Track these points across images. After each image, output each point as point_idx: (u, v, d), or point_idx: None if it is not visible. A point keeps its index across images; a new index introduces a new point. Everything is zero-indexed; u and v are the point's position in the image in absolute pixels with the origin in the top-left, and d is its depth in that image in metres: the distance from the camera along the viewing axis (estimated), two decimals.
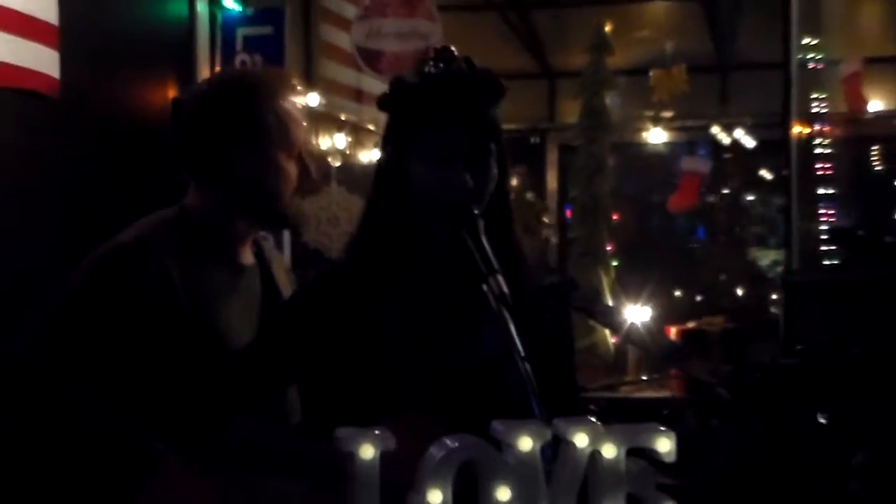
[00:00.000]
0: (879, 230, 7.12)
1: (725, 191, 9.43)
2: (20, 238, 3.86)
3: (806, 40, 6.54)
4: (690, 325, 6.71)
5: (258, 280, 2.89)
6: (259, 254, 2.91)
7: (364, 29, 6.35)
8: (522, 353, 2.09)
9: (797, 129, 6.28)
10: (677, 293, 8.58)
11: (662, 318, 6.64)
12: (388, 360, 2.31)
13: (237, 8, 5.85)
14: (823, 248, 6.48)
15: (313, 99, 6.38)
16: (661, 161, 8.69)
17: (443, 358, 2.32)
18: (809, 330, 5.43)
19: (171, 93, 5.56)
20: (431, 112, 2.31)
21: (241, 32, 5.83)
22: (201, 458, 2.39)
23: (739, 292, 8.62)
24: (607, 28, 7.52)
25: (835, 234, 6.27)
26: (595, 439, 1.80)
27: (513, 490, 1.77)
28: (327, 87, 6.80)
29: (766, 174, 9.67)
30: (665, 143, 8.58)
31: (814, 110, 6.57)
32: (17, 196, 3.88)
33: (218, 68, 5.80)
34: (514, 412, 2.06)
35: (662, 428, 1.81)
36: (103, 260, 2.68)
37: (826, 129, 6.64)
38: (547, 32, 9.07)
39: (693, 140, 8.78)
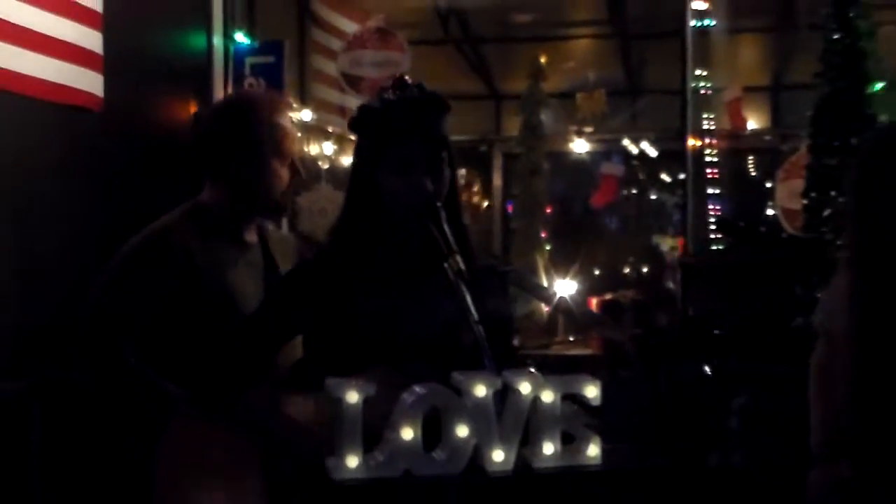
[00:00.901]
0: (756, 222, 7.17)
1: (633, 190, 9.47)
2: (66, 227, 3.84)
3: (698, 72, 6.55)
4: (608, 296, 6.74)
5: (260, 254, 2.91)
6: (261, 234, 2.93)
7: (348, 59, 6.33)
8: (477, 318, 2.10)
9: (691, 142, 6.30)
10: (596, 271, 8.59)
11: (586, 291, 6.66)
12: (364, 324, 2.30)
13: (246, 41, 5.83)
14: (712, 236, 6.49)
15: (306, 115, 6.39)
16: (584, 166, 8.70)
17: (409, 321, 2.32)
18: (700, 301, 5.47)
19: (193, 109, 5.54)
20: (392, 131, 2.31)
21: (248, 60, 5.80)
22: (221, 408, 2.40)
23: (644, 270, 8.66)
24: (542, 59, 7.51)
25: (721, 225, 6.30)
26: (536, 387, 1.80)
27: (470, 428, 1.77)
28: (317, 106, 6.80)
29: (665, 177, 9.71)
30: (587, 152, 8.57)
31: (704, 127, 6.58)
32: (68, 192, 3.87)
33: (230, 89, 5.79)
34: (469, 365, 2.07)
35: (590, 377, 1.83)
36: (139, 244, 2.75)
37: (713, 142, 6.66)
38: (494, 62, 9.07)
39: (608, 150, 8.78)
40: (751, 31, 8.25)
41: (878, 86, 4.70)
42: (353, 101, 7.16)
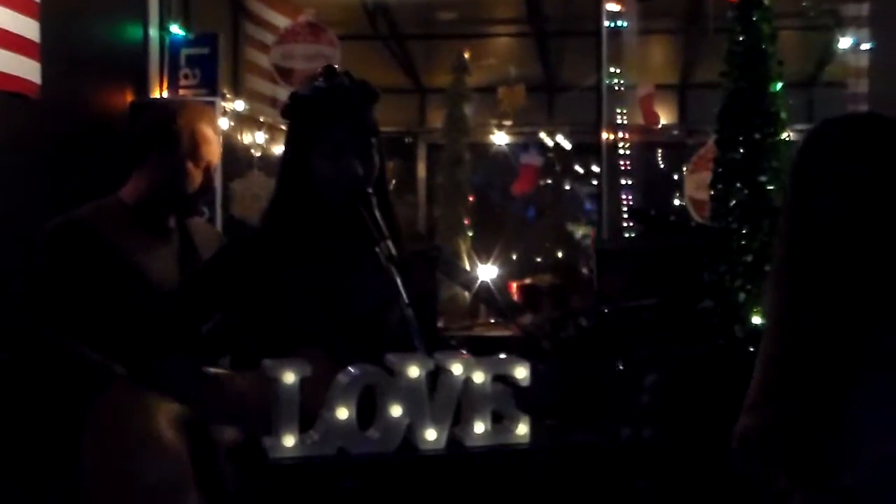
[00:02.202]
0: (666, 212, 7.24)
1: (549, 180, 9.48)
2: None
3: (612, 69, 6.57)
4: (527, 280, 6.73)
5: (178, 241, 2.99)
6: (181, 223, 3.01)
7: (280, 51, 6.27)
8: (407, 301, 2.07)
9: (606, 136, 6.33)
10: (514, 256, 8.60)
11: (506, 276, 6.65)
12: (294, 302, 2.27)
13: (181, 32, 5.72)
14: (624, 224, 6.53)
15: (239, 105, 6.30)
16: (504, 157, 8.69)
17: (339, 300, 2.28)
18: (614, 285, 5.49)
19: (129, 98, 5.45)
20: (322, 117, 2.28)
21: (184, 52, 5.70)
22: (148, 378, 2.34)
23: (559, 255, 8.68)
24: (466, 55, 7.48)
25: (634, 214, 6.34)
26: (467, 368, 1.77)
27: (403, 408, 1.73)
28: (250, 96, 6.70)
29: (578, 168, 9.75)
30: (507, 144, 8.56)
31: (618, 121, 6.60)
32: (1, 178, 3.83)
33: (166, 79, 5.69)
34: (396, 345, 2.04)
35: (519, 359, 1.80)
36: (56, 228, 2.86)
37: (626, 135, 6.68)
38: (419, 58, 9.01)
39: (526, 142, 8.77)
40: (660, 33, 8.31)
41: (779, 85, 4.74)
42: (284, 93, 7.07)
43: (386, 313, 2.24)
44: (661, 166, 9.10)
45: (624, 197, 6.46)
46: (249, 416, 1.92)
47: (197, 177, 2.90)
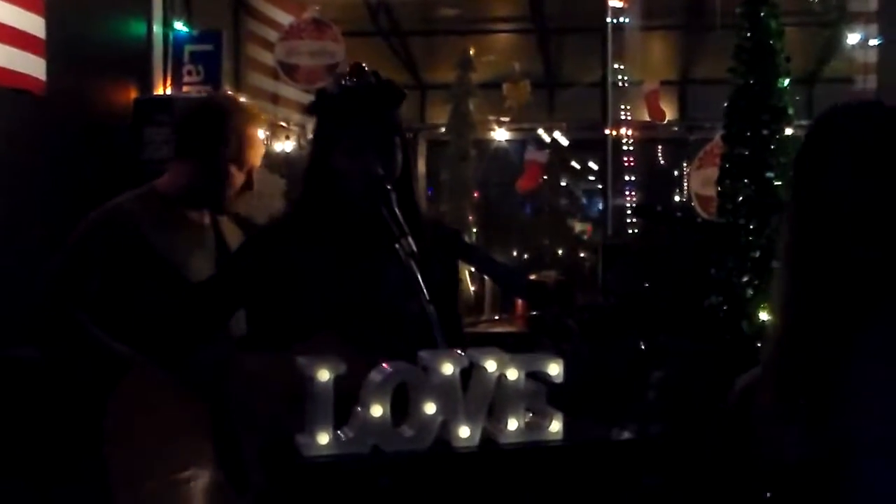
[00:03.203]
0: (672, 207, 7.24)
1: (545, 176, 9.45)
2: (8, 207, 3.81)
3: (616, 66, 6.55)
4: (532, 277, 6.69)
5: (213, 237, 2.98)
6: (214, 219, 2.98)
7: (285, 48, 6.25)
8: (427, 297, 2.06)
9: (611, 132, 6.31)
10: (514, 253, 8.58)
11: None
12: (314, 293, 2.27)
13: (185, 29, 5.70)
14: (627, 220, 6.52)
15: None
16: (505, 153, 8.66)
17: (358, 292, 2.28)
18: (620, 281, 5.48)
19: (133, 93, 5.44)
20: (346, 115, 2.28)
21: (187, 49, 5.70)
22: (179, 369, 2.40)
23: (562, 251, 8.66)
24: (471, 52, 7.46)
25: (640, 210, 6.32)
26: (501, 365, 1.75)
27: (437, 405, 1.71)
28: (251, 93, 6.67)
29: (575, 164, 9.73)
30: (507, 140, 8.54)
31: (622, 117, 6.59)
32: (10, 173, 3.83)
33: (170, 76, 5.67)
34: (420, 341, 2.02)
35: (552, 355, 1.78)
36: (94, 220, 2.84)
37: (630, 132, 6.66)
38: (419, 54, 9.00)
39: (524, 138, 8.75)
40: (662, 29, 8.30)
41: (786, 82, 4.74)
42: (285, 89, 7.09)
43: (405, 304, 2.23)
44: (662, 162, 9.09)
45: (627, 193, 6.44)
46: (275, 399, 1.92)
47: (239, 179, 2.88)
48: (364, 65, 2.34)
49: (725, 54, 6.24)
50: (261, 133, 2.97)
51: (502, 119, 8.14)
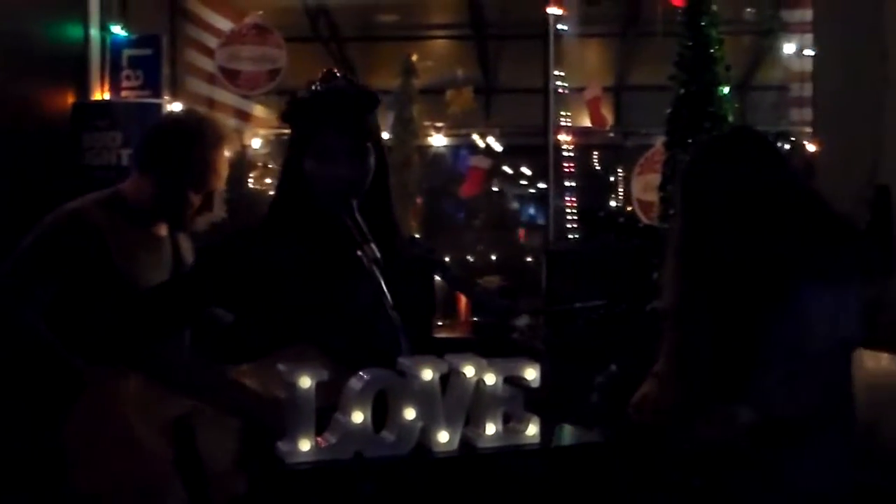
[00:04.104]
0: (613, 213, 7.33)
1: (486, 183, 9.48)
2: None
3: (556, 72, 6.63)
4: (477, 282, 6.72)
5: (170, 249, 2.98)
6: (172, 232, 3.00)
7: (226, 53, 6.21)
8: (391, 303, 2.07)
9: (554, 138, 6.38)
10: (449, 258, 8.58)
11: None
12: (283, 300, 2.26)
13: (123, 33, 5.64)
14: (568, 225, 6.58)
15: (177, 106, 6.22)
16: (444, 159, 8.68)
17: (329, 302, 2.28)
18: (563, 286, 5.55)
19: (71, 98, 5.38)
20: (316, 120, 2.28)
21: (126, 53, 5.66)
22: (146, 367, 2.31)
23: (502, 257, 8.69)
24: (414, 57, 7.48)
25: (583, 215, 6.41)
26: (479, 370, 1.77)
27: (416, 410, 1.73)
28: (188, 98, 6.61)
29: (507, 170, 9.78)
30: (445, 146, 8.55)
31: (562, 123, 6.66)
32: None
33: (108, 80, 5.61)
34: (385, 347, 2.03)
35: (529, 360, 1.80)
36: (53, 224, 2.82)
37: (570, 138, 6.73)
38: (358, 60, 8.99)
39: (460, 144, 8.77)
40: (598, 37, 8.41)
41: (726, 89, 4.85)
42: (221, 94, 7.04)
43: (373, 312, 2.24)
44: (598, 168, 9.20)
45: (568, 199, 6.52)
46: (254, 409, 1.92)
47: (196, 202, 2.89)
48: (336, 70, 2.35)
49: (658, 61, 6.37)
50: (225, 159, 2.95)
51: (437, 125, 8.16)
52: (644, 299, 4.75)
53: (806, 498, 2.36)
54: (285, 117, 2.35)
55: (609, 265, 5.14)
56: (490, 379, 1.77)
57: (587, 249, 5.63)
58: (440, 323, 6.11)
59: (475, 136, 8.55)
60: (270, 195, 6.99)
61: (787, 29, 5.85)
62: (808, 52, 5.27)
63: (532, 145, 8.14)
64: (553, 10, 6.59)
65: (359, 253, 2.18)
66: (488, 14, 8.25)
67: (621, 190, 8.79)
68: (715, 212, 2.40)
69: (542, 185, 9.69)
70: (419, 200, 7.46)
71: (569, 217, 6.51)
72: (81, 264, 2.75)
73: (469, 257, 8.33)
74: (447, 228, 7.90)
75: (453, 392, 1.76)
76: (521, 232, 9.84)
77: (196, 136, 2.89)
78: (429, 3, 8.44)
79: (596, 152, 8.96)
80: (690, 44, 4.88)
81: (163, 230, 2.97)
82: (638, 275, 4.95)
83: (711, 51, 4.83)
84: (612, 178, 9.09)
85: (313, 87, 2.29)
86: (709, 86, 4.86)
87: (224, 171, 2.95)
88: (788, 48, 5.83)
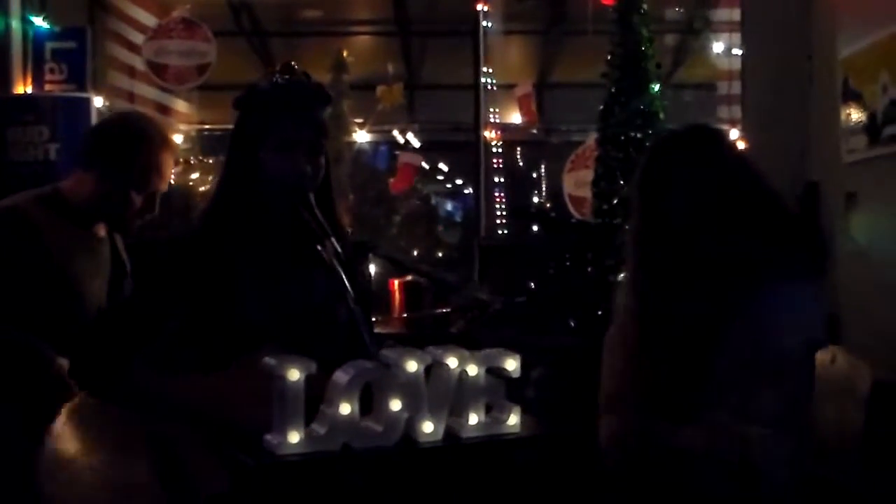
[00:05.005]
0: (544, 208, 7.41)
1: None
2: None
3: (484, 69, 6.68)
4: (408, 277, 6.74)
5: (108, 250, 2.99)
6: (110, 231, 3.00)
7: (153, 47, 6.13)
8: (354, 297, 2.10)
9: (485, 134, 6.44)
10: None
11: (386, 273, 6.65)
12: (242, 306, 2.25)
13: (45, 26, 5.51)
14: (497, 220, 6.62)
15: (98, 101, 6.10)
16: (367, 155, 8.65)
17: (288, 302, 2.28)
18: (495, 279, 5.60)
19: None
20: (279, 111, 2.28)
21: (49, 46, 5.54)
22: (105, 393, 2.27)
23: (437, 252, 8.69)
24: (345, 53, 7.46)
25: (515, 211, 6.47)
26: (462, 361, 1.81)
27: (402, 401, 1.75)
28: (108, 92, 6.48)
29: (425, 166, 9.79)
30: (367, 142, 8.53)
31: (491, 120, 6.71)
32: None
33: (30, 73, 5.48)
34: (347, 342, 2.06)
35: (510, 352, 1.85)
36: None
37: (496, 134, 6.78)
38: (281, 55, 8.92)
39: (379, 141, 8.75)
40: (521, 34, 8.50)
41: (657, 87, 4.94)
42: (142, 88, 6.94)
43: (334, 307, 2.26)
44: (521, 164, 9.27)
45: (497, 195, 6.57)
46: (231, 414, 1.91)
47: (137, 203, 2.86)
48: (294, 63, 2.35)
49: (580, 59, 6.47)
50: (170, 161, 2.94)
51: (357, 121, 8.13)
52: (582, 293, 4.84)
53: (766, 495, 2.37)
54: (240, 105, 2.33)
55: (541, 259, 5.20)
56: (472, 370, 1.81)
57: (519, 244, 5.70)
58: (374, 319, 6.10)
59: (395, 133, 8.55)
60: (200, 190, 6.77)
61: (715, 28, 6.01)
62: (737, 51, 5.42)
63: (454, 141, 8.21)
64: (482, 7, 6.65)
65: (318, 248, 2.19)
66: (413, 10, 8.27)
67: (544, 185, 8.89)
68: (675, 212, 2.38)
69: (458, 181, 9.81)
70: (351, 196, 7.44)
71: (497, 213, 6.56)
72: (18, 261, 2.72)
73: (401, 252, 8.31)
74: (373, 224, 7.86)
75: (437, 383, 1.79)
76: (439, 227, 9.86)
77: (141, 136, 2.87)
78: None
79: (519, 148, 9.04)
80: (621, 42, 4.96)
81: (102, 231, 2.96)
82: (572, 269, 5.03)
83: (643, 49, 4.91)
84: (534, 175, 9.18)
85: (274, 79, 2.29)
86: (640, 83, 4.94)
87: (168, 172, 2.94)
88: (717, 47, 5.99)
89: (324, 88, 2.35)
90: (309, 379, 1.70)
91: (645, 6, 4.89)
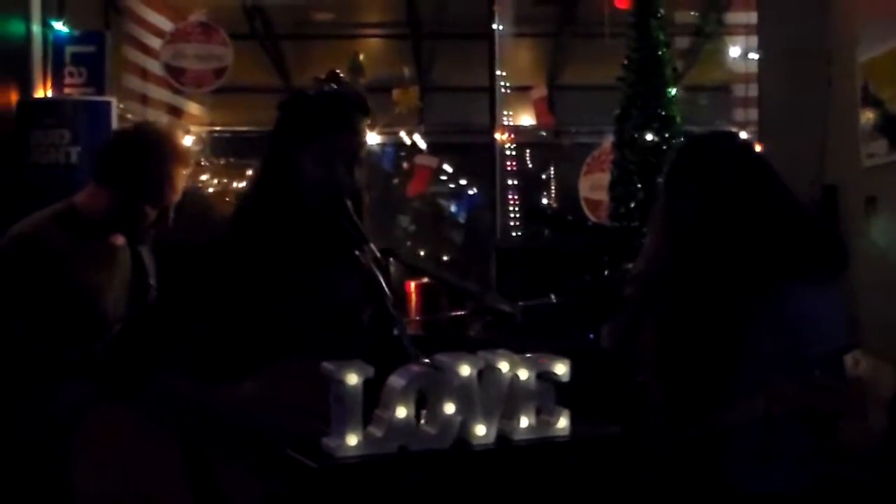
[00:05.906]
0: (560, 211, 7.43)
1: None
2: None
3: (499, 72, 6.70)
4: (425, 280, 6.75)
5: (128, 256, 3.07)
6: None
7: (171, 51, 6.18)
8: (392, 300, 2.13)
9: (499, 136, 6.46)
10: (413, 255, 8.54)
11: (402, 275, 6.68)
12: (280, 310, 2.28)
13: (65, 30, 5.55)
14: (511, 223, 6.64)
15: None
16: (375, 157, 8.67)
17: (325, 306, 2.31)
18: (512, 280, 5.62)
19: (14, 95, 5.27)
20: (323, 120, 2.30)
21: (69, 50, 5.57)
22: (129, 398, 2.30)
23: (450, 255, 8.71)
24: (361, 57, 7.47)
25: (531, 213, 6.49)
26: (513, 366, 1.84)
27: (455, 405, 1.79)
28: (124, 95, 6.52)
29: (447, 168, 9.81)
30: (376, 144, 8.54)
31: (505, 122, 6.73)
32: None
33: (50, 77, 5.51)
34: (386, 345, 2.09)
35: (559, 357, 1.88)
36: (7, 245, 2.88)
37: (510, 137, 6.80)
38: (292, 58, 8.98)
39: (387, 143, 8.76)
40: (532, 37, 8.52)
41: (673, 91, 4.97)
42: (154, 90, 6.97)
43: (365, 313, 2.29)
44: (530, 166, 9.29)
45: (511, 197, 6.60)
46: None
47: (151, 216, 2.93)
48: (340, 72, 2.38)
49: (591, 62, 6.48)
50: (183, 174, 2.99)
51: (368, 123, 8.13)
52: (599, 295, 4.86)
53: (782, 495, 2.40)
54: (286, 108, 2.36)
55: (559, 262, 5.23)
56: (524, 374, 1.84)
57: (536, 247, 5.72)
58: None
59: (402, 134, 8.57)
60: (209, 192, 6.77)
61: (731, 31, 6.04)
62: (753, 54, 5.46)
63: (466, 143, 8.23)
64: (496, 9, 6.69)
65: (357, 253, 2.22)
66: (424, 12, 8.30)
67: (553, 188, 8.91)
68: (698, 217, 2.42)
69: (462, 182, 9.82)
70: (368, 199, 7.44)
71: (511, 215, 6.59)
72: (41, 288, 2.82)
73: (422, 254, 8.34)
74: (390, 227, 7.89)
75: (489, 387, 1.82)
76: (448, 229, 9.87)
77: (155, 150, 2.93)
78: (364, 1, 8.46)
79: (530, 151, 9.06)
80: (638, 45, 4.99)
81: (120, 239, 3.02)
82: (590, 272, 5.05)
83: (660, 53, 4.95)
84: (544, 177, 9.20)
85: (324, 88, 2.32)
86: (657, 87, 4.97)
87: (181, 185, 2.99)
88: (734, 51, 6.03)
89: (365, 99, 2.38)
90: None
91: (661, 10, 4.92)
